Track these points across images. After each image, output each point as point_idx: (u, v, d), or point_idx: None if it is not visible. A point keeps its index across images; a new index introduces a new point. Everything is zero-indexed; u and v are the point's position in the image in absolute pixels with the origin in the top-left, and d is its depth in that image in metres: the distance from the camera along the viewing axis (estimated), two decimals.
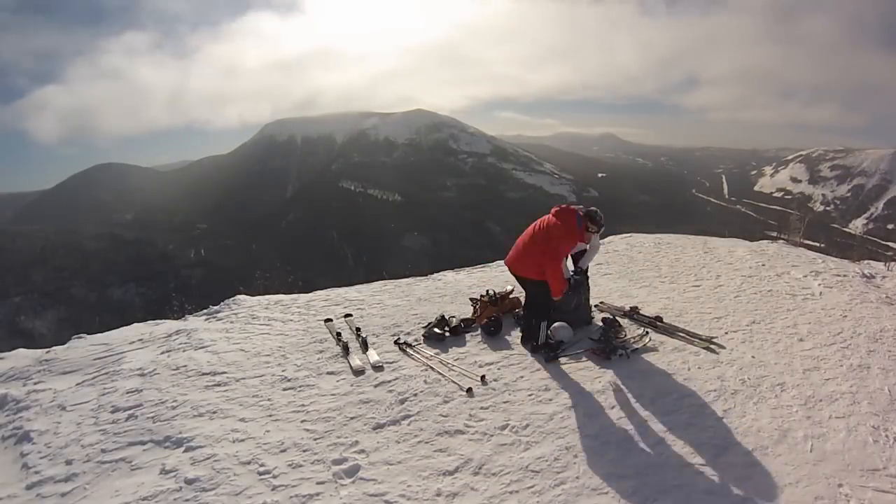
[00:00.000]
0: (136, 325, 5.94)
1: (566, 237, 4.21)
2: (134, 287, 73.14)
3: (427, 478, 2.96)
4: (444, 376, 4.05)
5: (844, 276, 6.21)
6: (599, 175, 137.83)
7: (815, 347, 4.31)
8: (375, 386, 4.00)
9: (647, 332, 4.57)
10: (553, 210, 4.34)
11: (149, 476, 3.16)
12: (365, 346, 4.69)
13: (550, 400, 3.68)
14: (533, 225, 4.37)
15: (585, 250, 4.81)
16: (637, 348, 4.35)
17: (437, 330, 4.78)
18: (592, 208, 4.39)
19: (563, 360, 4.26)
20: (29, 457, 3.55)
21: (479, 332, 4.88)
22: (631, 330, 4.70)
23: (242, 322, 5.55)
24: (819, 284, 5.89)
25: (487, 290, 5.23)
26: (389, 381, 4.04)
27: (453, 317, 5.05)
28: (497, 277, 6.87)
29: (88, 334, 5.64)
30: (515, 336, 4.78)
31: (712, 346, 4.34)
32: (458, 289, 6.33)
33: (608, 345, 4.31)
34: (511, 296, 5.29)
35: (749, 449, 3.04)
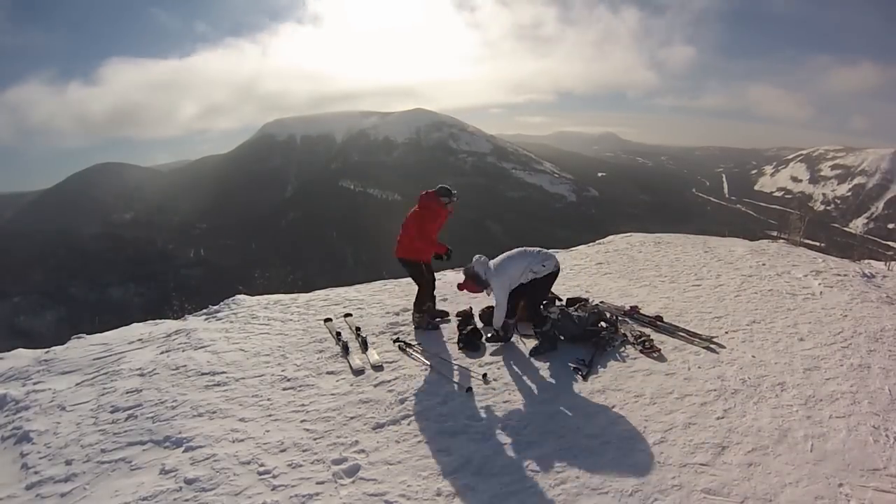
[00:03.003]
0: (135, 325, 5.94)
1: (428, 215, 4.79)
2: (133, 287, 73.15)
3: (427, 478, 2.96)
4: (443, 376, 4.05)
5: (845, 275, 6.21)
6: (599, 174, 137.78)
7: (816, 347, 4.31)
8: (375, 386, 4.00)
9: (643, 340, 4.45)
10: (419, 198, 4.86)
11: (148, 476, 3.15)
12: (364, 345, 4.69)
13: (550, 400, 3.68)
14: (405, 218, 4.90)
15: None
16: (627, 341, 4.43)
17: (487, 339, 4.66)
18: (443, 185, 4.90)
19: (560, 359, 4.25)
20: (28, 457, 3.55)
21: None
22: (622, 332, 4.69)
23: (242, 322, 5.54)
24: (819, 284, 5.89)
25: None
26: (389, 381, 4.03)
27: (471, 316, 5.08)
28: None
29: (88, 334, 5.64)
30: (515, 335, 4.77)
31: (712, 346, 4.34)
32: None
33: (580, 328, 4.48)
34: None
35: (749, 449, 3.03)
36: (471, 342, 4.60)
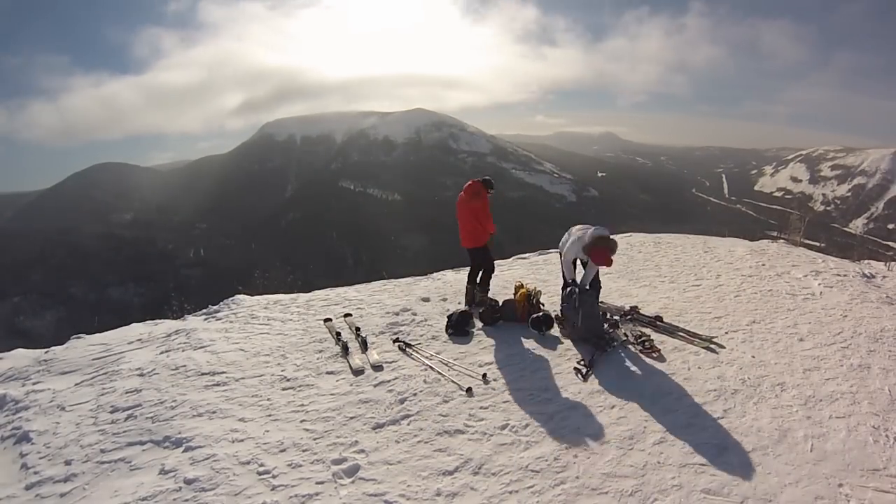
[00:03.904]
0: (135, 325, 5.94)
1: (473, 201, 5.30)
2: (133, 287, 73.11)
3: (427, 478, 2.95)
4: (443, 376, 4.05)
5: (845, 275, 6.20)
6: (599, 174, 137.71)
7: (816, 347, 4.31)
8: (375, 386, 4.00)
9: (646, 340, 4.44)
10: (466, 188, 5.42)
11: (148, 476, 3.15)
12: (364, 345, 4.69)
13: (550, 400, 3.68)
14: (460, 212, 5.42)
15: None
16: (628, 341, 4.41)
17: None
18: (486, 177, 5.45)
19: (560, 359, 4.25)
20: (28, 457, 3.54)
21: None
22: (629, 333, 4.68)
23: (242, 322, 5.54)
24: (819, 284, 5.88)
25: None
26: (389, 381, 4.03)
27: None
28: (497, 277, 6.86)
29: (87, 334, 5.64)
30: (515, 334, 4.77)
31: (712, 346, 4.33)
32: (458, 288, 6.33)
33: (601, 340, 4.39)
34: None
35: (749, 449, 3.03)
36: (460, 328, 4.77)
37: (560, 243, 4.90)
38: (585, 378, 3.92)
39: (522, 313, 5.04)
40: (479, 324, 5.09)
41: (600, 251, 4.32)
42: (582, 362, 4.08)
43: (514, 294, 5.33)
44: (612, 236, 4.44)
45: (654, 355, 4.21)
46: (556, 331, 4.80)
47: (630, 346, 4.38)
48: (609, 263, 4.37)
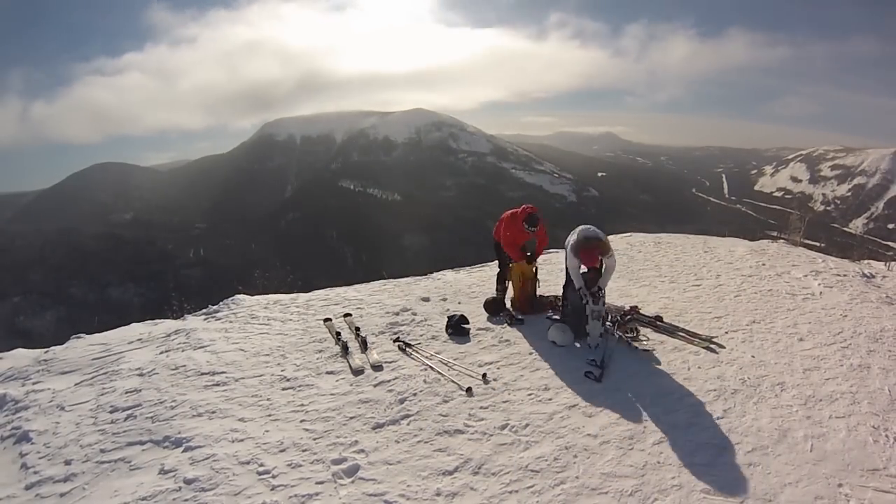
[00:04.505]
0: (134, 324, 5.94)
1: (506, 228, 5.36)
2: (133, 287, 73.03)
3: (427, 477, 2.95)
4: (443, 376, 4.05)
5: (844, 275, 6.20)
6: (599, 174, 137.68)
7: (816, 347, 4.31)
8: (375, 386, 4.00)
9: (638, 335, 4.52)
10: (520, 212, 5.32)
11: (148, 476, 3.15)
12: (364, 345, 4.69)
13: (550, 400, 3.68)
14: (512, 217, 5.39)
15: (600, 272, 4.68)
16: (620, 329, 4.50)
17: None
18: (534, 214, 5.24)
19: (560, 359, 4.25)
20: (28, 457, 3.54)
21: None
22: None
23: (241, 322, 5.54)
24: (819, 284, 5.88)
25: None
26: (389, 381, 4.03)
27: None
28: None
29: (87, 334, 5.64)
30: (515, 333, 4.77)
31: (712, 346, 4.33)
32: (458, 288, 6.33)
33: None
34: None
35: (749, 449, 3.03)
36: (459, 329, 4.86)
37: (565, 242, 4.91)
38: (600, 380, 3.89)
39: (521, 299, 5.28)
40: (477, 323, 5.09)
41: (585, 253, 4.44)
42: (594, 362, 4.06)
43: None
44: (601, 236, 4.51)
45: (645, 342, 4.26)
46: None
47: (629, 345, 4.39)
48: (593, 263, 4.47)
